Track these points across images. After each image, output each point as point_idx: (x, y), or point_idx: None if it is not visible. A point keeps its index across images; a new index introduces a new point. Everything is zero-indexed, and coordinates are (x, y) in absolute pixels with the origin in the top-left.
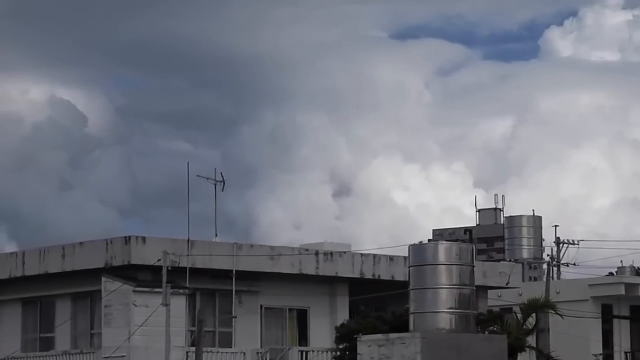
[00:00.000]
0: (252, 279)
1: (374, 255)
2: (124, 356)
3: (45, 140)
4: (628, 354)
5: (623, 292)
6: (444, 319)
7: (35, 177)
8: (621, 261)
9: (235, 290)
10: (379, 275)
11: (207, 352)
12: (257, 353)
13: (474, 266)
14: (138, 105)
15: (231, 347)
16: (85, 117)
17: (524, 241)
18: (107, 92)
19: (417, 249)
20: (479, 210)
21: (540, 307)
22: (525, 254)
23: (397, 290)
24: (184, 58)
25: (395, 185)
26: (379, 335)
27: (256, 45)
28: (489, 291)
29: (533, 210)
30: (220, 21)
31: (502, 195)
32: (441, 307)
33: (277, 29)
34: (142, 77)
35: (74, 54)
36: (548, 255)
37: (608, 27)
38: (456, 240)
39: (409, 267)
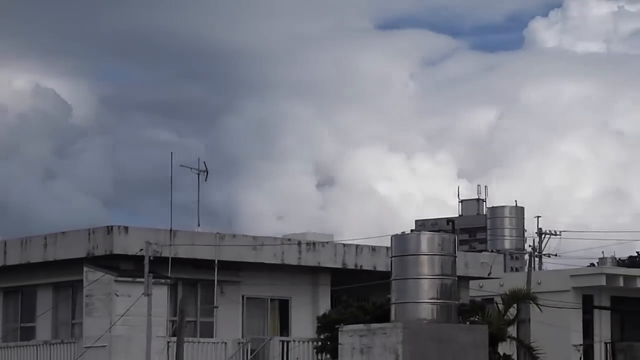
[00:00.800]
0: (234, 269)
1: (357, 246)
2: (105, 346)
3: (29, 130)
4: (608, 344)
5: (604, 283)
6: (426, 309)
7: (20, 167)
8: (602, 252)
9: (218, 280)
10: (361, 266)
11: (189, 342)
12: (239, 343)
13: (456, 257)
14: (123, 95)
15: (213, 337)
16: (69, 107)
17: (506, 232)
18: (91, 82)
19: (399, 239)
20: (461, 201)
21: (521, 298)
22: (507, 245)
23: (379, 281)
24: (169, 49)
25: (379, 175)
26: (361, 326)
27: (241, 36)
28: (470, 281)
29: (515, 201)
30: (205, 12)
31: (485, 186)
32: (423, 297)
33: (262, 20)
34: (127, 68)
35: (59, 44)
36: (530, 246)
37: (593, 18)
38: (438, 231)
39: (391, 257)
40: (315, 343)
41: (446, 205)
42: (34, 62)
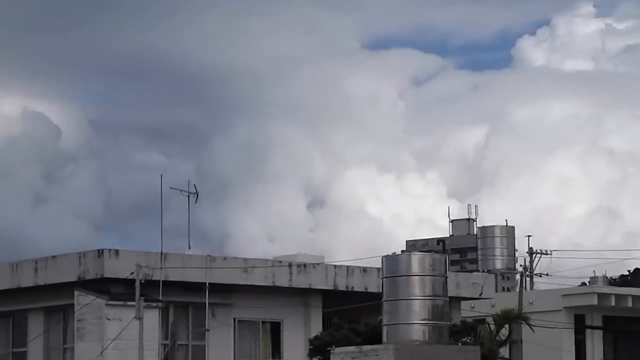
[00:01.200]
0: (225, 292)
1: (347, 267)
2: None
3: (18, 154)
4: None
5: (596, 302)
6: (418, 331)
7: (9, 191)
8: (594, 271)
9: (209, 303)
10: (352, 287)
11: None
12: None
13: (447, 277)
14: (112, 118)
15: None
16: (59, 130)
17: (497, 251)
18: (81, 105)
19: (390, 260)
20: (452, 221)
21: (513, 318)
22: (498, 265)
23: (370, 302)
24: (158, 71)
25: (370, 196)
26: (353, 348)
27: (230, 57)
28: (462, 302)
29: (506, 220)
30: (194, 34)
31: (476, 206)
32: (414, 318)
33: (250, 41)
34: (116, 91)
35: (47, 68)
36: (521, 265)
37: (580, 36)
38: (429, 251)
39: (382, 278)
40: None
41: (437, 225)
42: (22, 86)
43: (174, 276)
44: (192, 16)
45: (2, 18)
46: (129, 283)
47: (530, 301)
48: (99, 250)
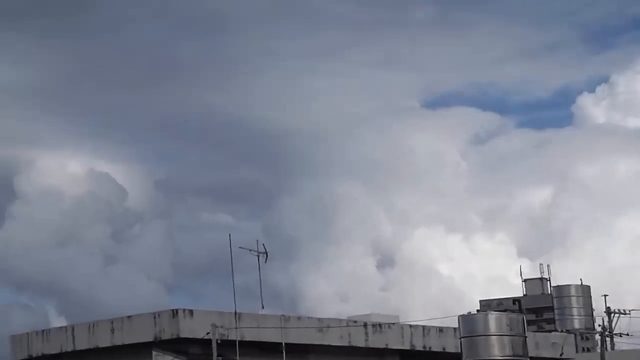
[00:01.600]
0: (301, 352)
1: (424, 327)
2: None
3: (86, 215)
4: None
5: None
6: None
7: (79, 252)
8: None
9: None
10: (429, 347)
11: None
12: None
13: (526, 337)
14: (177, 178)
15: None
16: (125, 191)
17: (574, 311)
18: (146, 166)
19: (467, 319)
20: (525, 280)
21: None
22: (576, 324)
23: None
24: (222, 131)
25: (439, 255)
26: None
27: (293, 117)
28: None
29: (581, 279)
30: (257, 94)
31: (548, 265)
32: None
33: (312, 100)
34: (181, 151)
35: (112, 128)
36: (599, 325)
37: None
38: (505, 311)
39: (460, 338)
40: None
41: (509, 284)
42: (87, 146)
43: (249, 336)
44: (256, 76)
45: (69, 79)
46: (205, 343)
47: None
48: (173, 310)
